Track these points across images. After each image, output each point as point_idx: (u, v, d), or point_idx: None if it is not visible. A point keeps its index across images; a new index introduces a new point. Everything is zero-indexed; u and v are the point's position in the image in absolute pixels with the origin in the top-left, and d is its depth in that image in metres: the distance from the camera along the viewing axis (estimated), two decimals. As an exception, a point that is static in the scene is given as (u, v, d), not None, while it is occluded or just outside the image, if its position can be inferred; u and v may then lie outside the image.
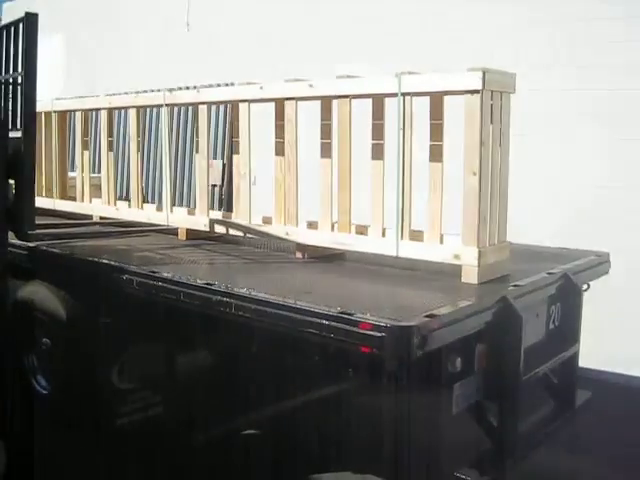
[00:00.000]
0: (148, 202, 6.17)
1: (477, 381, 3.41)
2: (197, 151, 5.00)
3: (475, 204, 3.58)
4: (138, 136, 5.43)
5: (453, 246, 3.75)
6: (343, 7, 8.08)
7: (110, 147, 5.72)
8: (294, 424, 3.63)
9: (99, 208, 5.83)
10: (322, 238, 4.29)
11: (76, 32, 10.96)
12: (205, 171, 4.96)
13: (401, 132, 3.82)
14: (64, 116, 6.15)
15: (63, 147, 6.23)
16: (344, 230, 4.20)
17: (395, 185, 3.87)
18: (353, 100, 4.06)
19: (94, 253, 4.43)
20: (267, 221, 4.62)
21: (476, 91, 3.49)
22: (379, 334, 2.82)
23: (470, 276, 3.62)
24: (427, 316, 2.92)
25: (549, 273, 3.91)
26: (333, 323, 2.96)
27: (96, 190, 5.90)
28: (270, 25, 8.40)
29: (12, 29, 4.15)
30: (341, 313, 2.97)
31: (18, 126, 4.21)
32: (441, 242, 3.84)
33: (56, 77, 10.23)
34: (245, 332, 3.47)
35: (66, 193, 6.30)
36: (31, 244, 4.61)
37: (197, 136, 5.00)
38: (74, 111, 6.01)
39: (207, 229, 4.94)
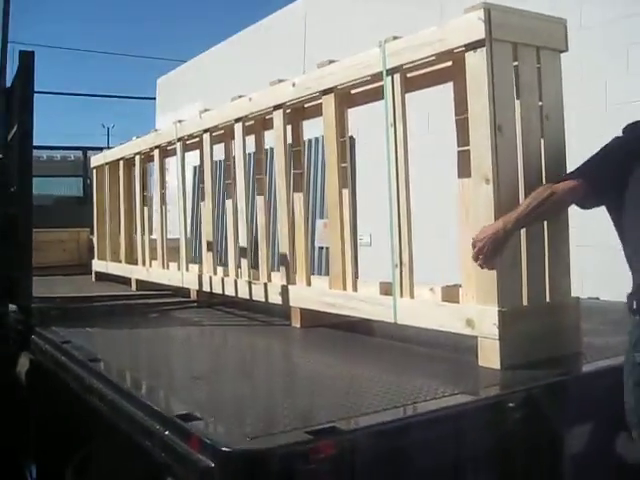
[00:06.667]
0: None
1: None
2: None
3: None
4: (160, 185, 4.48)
5: (468, 307, 2.28)
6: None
7: (145, 202, 4.84)
8: None
9: (135, 270, 4.92)
10: (309, 298, 2.97)
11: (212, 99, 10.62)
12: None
13: (391, 130, 2.47)
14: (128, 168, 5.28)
15: (129, 203, 5.33)
16: (336, 286, 2.86)
17: (391, 219, 2.50)
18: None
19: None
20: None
21: (479, 43, 2.09)
22: (206, 462, 1.49)
23: (489, 355, 2.12)
24: (314, 432, 1.53)
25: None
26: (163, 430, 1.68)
27: (173, 253, 4.88)
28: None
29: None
30: (179, 417, 1.67)
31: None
32: (453, 300, 2.38)
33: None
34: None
35: (131, 255, 5.36)
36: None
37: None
38: (114, 162, 5.23)
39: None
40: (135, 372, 2.25)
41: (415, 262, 2.48)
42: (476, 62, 2.11)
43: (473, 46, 2.11)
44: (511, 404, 1.89)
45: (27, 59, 3.34)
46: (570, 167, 2.25)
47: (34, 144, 3.49)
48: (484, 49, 2.07)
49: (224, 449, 1.46)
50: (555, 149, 2.26)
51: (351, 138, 6.77)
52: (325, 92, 2.84)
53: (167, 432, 1.68)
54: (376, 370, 2.21)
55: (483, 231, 2.09)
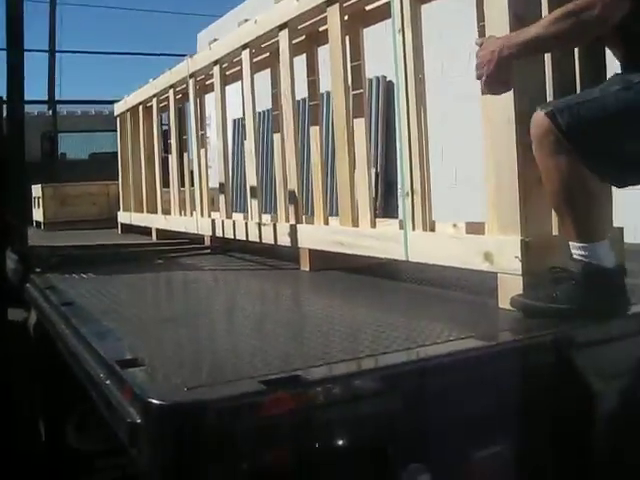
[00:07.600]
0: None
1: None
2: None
3: (512, 147, 1.75)
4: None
5: (485, 238, 1.93)
6: None
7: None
8: None
9: (155, 219, 4.68)
10: (317, 238, 2.66)
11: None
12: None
13: (398, 37, 2.11)
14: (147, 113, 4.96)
15: (149, 151, 5.03)
16: (346, 223, 2.54)
17: (401, 139, 2.15)
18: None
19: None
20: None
21: None
22: (134, 417, 1.21)
23: (510, 295, 1.77)
24: (270, 382, 1.22)
25: None
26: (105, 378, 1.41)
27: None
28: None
29: None
30: (119, 363, 1.40)
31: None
32: (473, 232, 2.04)
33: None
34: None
35: (153, 205, 5.10)
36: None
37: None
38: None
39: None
40: (104, 315, 1.98)
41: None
42: None
43: None
44: (532, 352, 1.56)
45: None
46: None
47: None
48: None
49: (151, 401, 1.17)
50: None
51: (389, 82, 6.44)
52: (329, 2, 2.47)
53: (108, 381, 1.41)
54: (375, 312, 1.90)
55: (484, 46, 1.66)
